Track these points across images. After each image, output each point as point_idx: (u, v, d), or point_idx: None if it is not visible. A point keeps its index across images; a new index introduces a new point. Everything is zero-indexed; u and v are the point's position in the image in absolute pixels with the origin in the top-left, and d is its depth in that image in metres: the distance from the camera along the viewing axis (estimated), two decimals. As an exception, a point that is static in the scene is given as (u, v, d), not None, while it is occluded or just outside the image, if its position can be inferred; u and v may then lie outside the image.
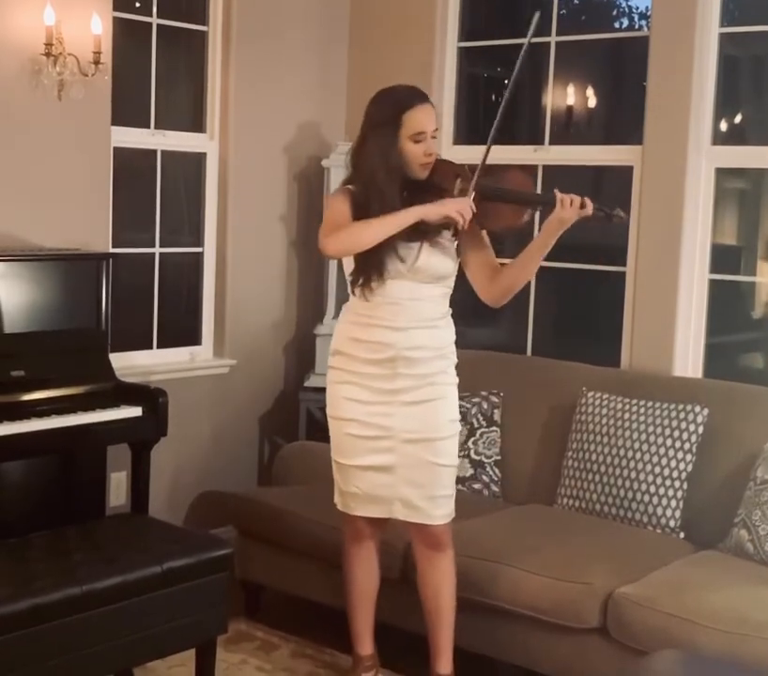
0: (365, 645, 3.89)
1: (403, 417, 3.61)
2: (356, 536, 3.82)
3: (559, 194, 3.44)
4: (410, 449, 3.61)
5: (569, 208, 3.43)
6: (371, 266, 3.53)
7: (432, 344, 3.60)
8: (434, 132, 3.56)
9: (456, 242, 3.53)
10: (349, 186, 3.62)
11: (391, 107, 3.53)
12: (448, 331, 3.69)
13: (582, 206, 3.44)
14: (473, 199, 3.44)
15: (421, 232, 3.52)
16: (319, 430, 5.28)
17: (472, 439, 4.59)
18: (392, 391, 3.60)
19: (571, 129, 5.33)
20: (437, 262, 3.56)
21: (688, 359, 4.74)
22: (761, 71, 4.93)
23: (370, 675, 3.88)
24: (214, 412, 5.31)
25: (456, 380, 3.71)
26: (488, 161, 3.52)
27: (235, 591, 4.02)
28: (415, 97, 3.55)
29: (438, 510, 3.64)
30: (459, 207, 3.41)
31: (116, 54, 4.70)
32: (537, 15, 3.62)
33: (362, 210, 3.52)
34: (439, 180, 3.56)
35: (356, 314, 3.66)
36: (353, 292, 3.62)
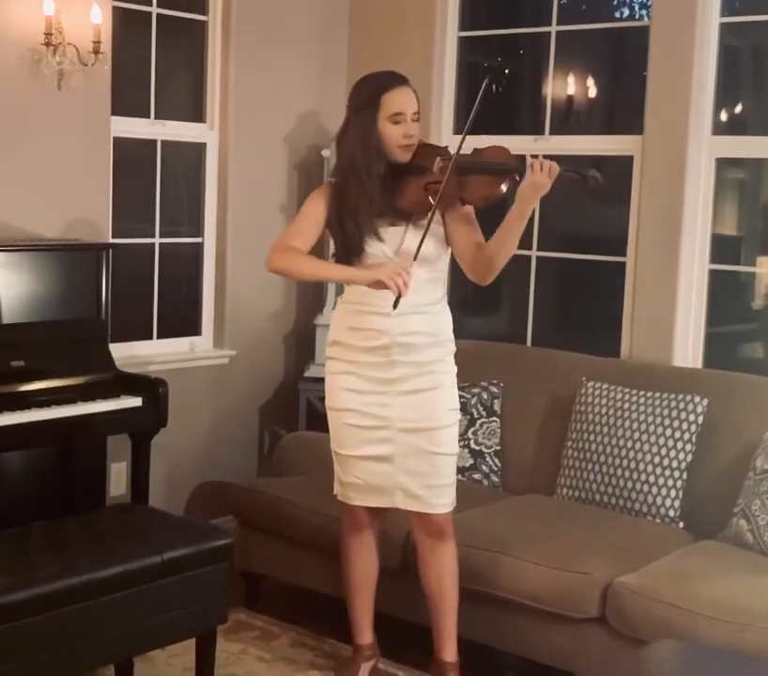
0: (365, 634, 3.90)
1: (400, 406, 3.61)
2: (355, 526, 3.82)
3: (529, 159, 3.42)
4: (409, 438, 3.62)
5: (540, 173, 3.37)
6: (351, 250, 3.56)
7: (427, 329, 3.60)
8: (414, 115, 3.56)
9: (436, 206, 3.47)
10: (332, 178, 3.68)
11: (369, 90, 3.57)
12: (443, 318, 3.68)
13: (552, 170, 3.38)
14: (450, 172, 3.43)
15: (404, 214, 3.54)
16: (319, 420, 5.27)
17: (472, 429, 4.60)
18: (389, 381, 3.61)
19: (571, 118, 5.32)
20: (424, 245, 3.49)
21: (688, 349, 4.74)
22: (762, 62, 4.92)
23: (370, 664, 3.89)
24: (214, 402, 5.32)
25: (455, 369, 3.70)
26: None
27: (235, 581, 4.02)
28: (394, 79, 3.58)
29: (439, 499, 3.65)
30: (393, 273, 3.37)
31: (116, 44, 4.69)
32: (486, 80, 3.70)
33: (342, 199, 3.56)
34: (420, 161, 3.58)
35: (349, 302, 3.68)
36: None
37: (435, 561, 3.73)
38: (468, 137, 3.43)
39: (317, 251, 5.45)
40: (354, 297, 3.64)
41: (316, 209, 3.63)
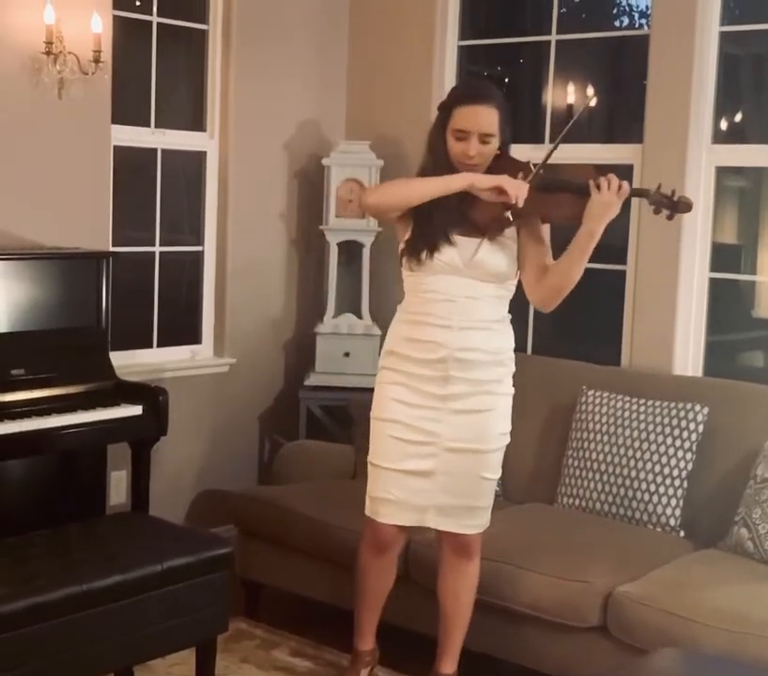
0: (367, 640, 3.86)
1: (451, 425, 3.53)
2: (377, 545, 3.71)
3: (597, 179, 3.34)
4: (454, 458, 3.54)
5: (607, 192, 3.32)
6: (423, 239, 3.47)
7: (487, 347, 3.51)
8: (484, 137, 3.46)
9: (512, 224, 3.42)
10: None
11: (451, 98, 3.54)
12: (505, 337, 3.60)
13: (620, 188, 3.34)
14: (530, 190, 3.36)
15: (479, 227, 3.47)
16: (319, 429, 5.30)
17: (472, 438, 4.58)
18: (443, 397, 3.52)
19: (571, 127, 5.31)
20: (496, 259, 3.47)
21: (688, 357, 4.74)
22: (762, 70, 4.93)
23: (368, 670, 3.87)
24: (214, 411, 5.31)
25: (512, 391, 3.63)
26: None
27: (235, 590, 4.02)
28: (473, 95, 3.49)
29: (474, 520, 3.61)
30: (513, 183, 3.32)
31: (117, 53, 4.70)
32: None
33: (418, 206, 3.48)
34: (502, 174, 3.45)
35: (409, 312, 3.59)
36: (401, 263, 3.57)
37: (454, 578, 3.70)
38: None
39: (317, 274, 5.48)
40: (415, 307, 3.56)
41: None
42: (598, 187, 3.34)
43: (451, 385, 3.51)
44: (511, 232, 3.51)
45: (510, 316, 3.64)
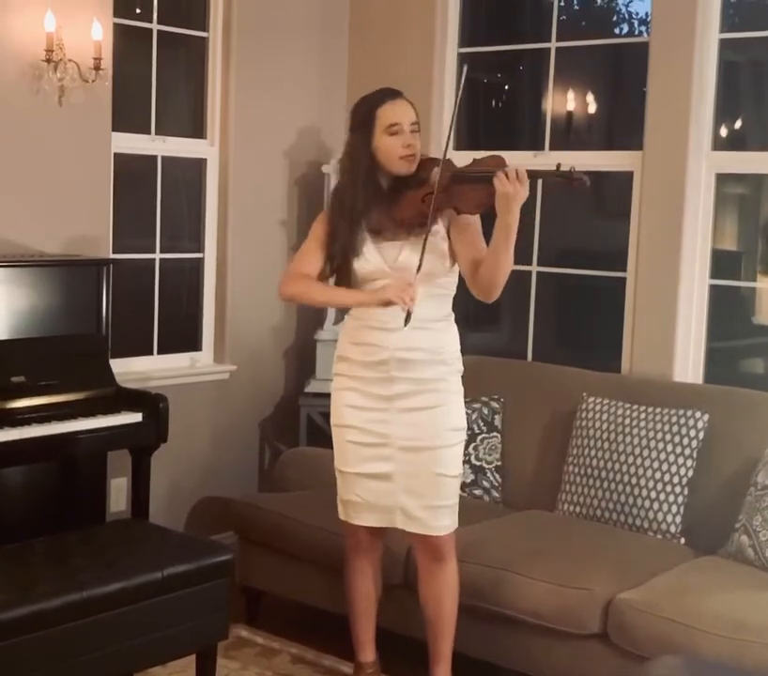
0: (367, 652, 3.87)
1: (399, 424, 3.58)
2: (356, 546, 3.79)
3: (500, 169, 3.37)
4: (409, 457, 3.59)
5: (507, 182, 3.33)
6: (345, 263, 3.58)
7: (428, 346, 3.56)
8: (412, 126, 3.56)
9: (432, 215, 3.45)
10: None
11: (364, 108, 3.60)
12: (447, 336, 3.64)
13: (517, 175, 3.33)
14: (443, 183, 3.43)
15: (404, 228, 3.52)
16: (320, 436, 5.28)
17: (473, 445, 4.59)
18: (389, 398, 3.59)
19: (571, 134, 5.33)
20: (423, 259, 3.47)
21: (689, 364, 4.74)
22: (761, 77, 4.93)
23: (371, 682, 3.88)
24: (214, 418, 5.31)
25: (460, 389, 3.65)
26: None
27: (235, 597, 4.02)
28: (386, 94, 3.61)
29: (438, 521, 3.61)
30: (398, 290, 3.39)
31: (117, 60, 4.71)
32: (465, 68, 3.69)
33: (337, 216, 3.59)
34: (420, 173, 3.57)
35: (353, 317, 3.67)
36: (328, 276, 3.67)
37: (433, 583, 3.70)
38: (473, 151, 3.41)
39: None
40: (359, 312, 3.64)
41: (317, 233, 3.66)
42: (498, 179, 3.34)
43: (395, 385, 3.57)
44: (440, 230, 3.54)
45: (452, 315, 3.67)
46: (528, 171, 3.37)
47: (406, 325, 3.40)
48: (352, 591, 3.84)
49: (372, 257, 3.57)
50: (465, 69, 3.66)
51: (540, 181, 3.61)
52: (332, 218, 3.62)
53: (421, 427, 3.57)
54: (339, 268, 3.61)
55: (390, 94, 3.60)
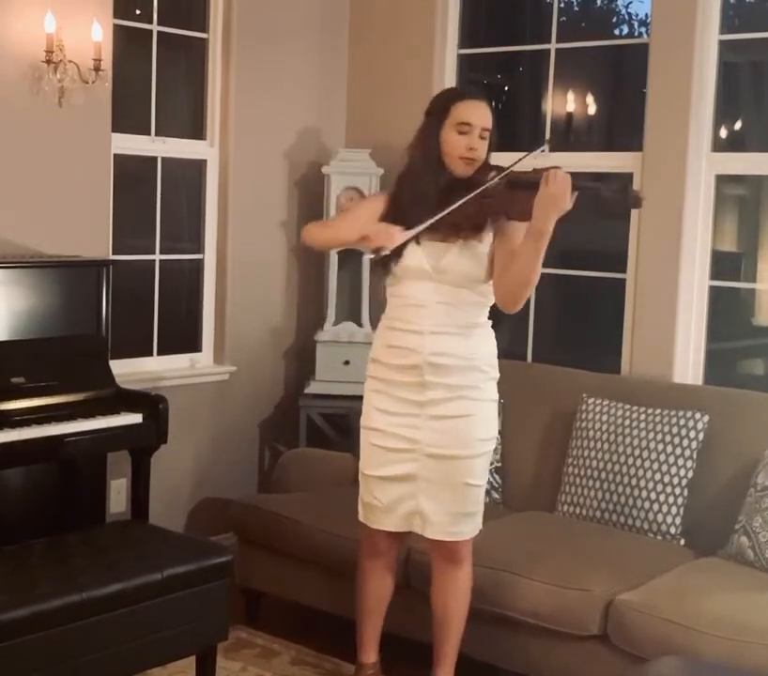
0: (370, 652, 3.86)
1: (429, 431, 3.53)
2: (372, 550, 3.75)
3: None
4: (436, 464, 3.54)
5: (554, 182, 3.28)
6: (391, 254, 3.48)
7: (460, 352, 3.50)
8: (482, 131, 3.51)
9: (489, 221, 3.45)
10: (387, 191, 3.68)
11: (444, 98, 3.61)
12: (483, 342, 3.58)
13: (561, 177, 3.29)
14: (500, 188, 3.41)
15: (455, 231, 3.46)
16: (320, 437, 5.29)
17: (473, 446, 4.58)
18: (421, 404, 3.53)
19: (571, 135, 5.33)
20: (464, 265, 3.47)
21: (688, 365, 4.74)
22: (761, 78, 4.94)
23: (372, 682, 3.88)
24: (214, 419, 5.31)
25: (495, 397, 3.62)
26: None
27: (235, 598, 4.02)
28: (469, 92, 3.64)
29: (457, 527, 3.60)
30: (382, 228, 3.39)
31: (117, 62, 4.71)
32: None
33: (395, 207, 3.53)
34: (479, 177, 3.50)
35: (387, 318, 3.62)
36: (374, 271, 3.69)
37: (445, 585, 3.69)
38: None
39: (317, 282, 5.48)
40: (391, 312, 3.60)
41: (372, 207, 3.61)
42: (546, 179, 3.31)
43: (429, 391, 3.52)
44: (486, 237, 3.51)
45: (489, 322, 3.62)
46: (581, 184, 3.33)
47: (372, 259, 3.44)
48: (363, 588, 3.80)
49: (413, 251, 3.49)
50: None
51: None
52: (391, 208, 3.54)
53: (450, 435, 3.53)
54: (379, 259, 3.50)
55: (472, 92, 3.62)
